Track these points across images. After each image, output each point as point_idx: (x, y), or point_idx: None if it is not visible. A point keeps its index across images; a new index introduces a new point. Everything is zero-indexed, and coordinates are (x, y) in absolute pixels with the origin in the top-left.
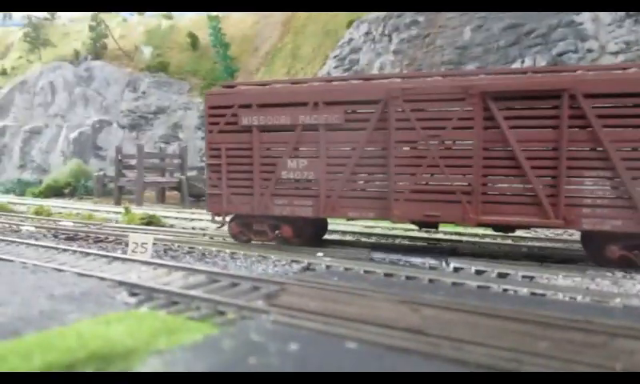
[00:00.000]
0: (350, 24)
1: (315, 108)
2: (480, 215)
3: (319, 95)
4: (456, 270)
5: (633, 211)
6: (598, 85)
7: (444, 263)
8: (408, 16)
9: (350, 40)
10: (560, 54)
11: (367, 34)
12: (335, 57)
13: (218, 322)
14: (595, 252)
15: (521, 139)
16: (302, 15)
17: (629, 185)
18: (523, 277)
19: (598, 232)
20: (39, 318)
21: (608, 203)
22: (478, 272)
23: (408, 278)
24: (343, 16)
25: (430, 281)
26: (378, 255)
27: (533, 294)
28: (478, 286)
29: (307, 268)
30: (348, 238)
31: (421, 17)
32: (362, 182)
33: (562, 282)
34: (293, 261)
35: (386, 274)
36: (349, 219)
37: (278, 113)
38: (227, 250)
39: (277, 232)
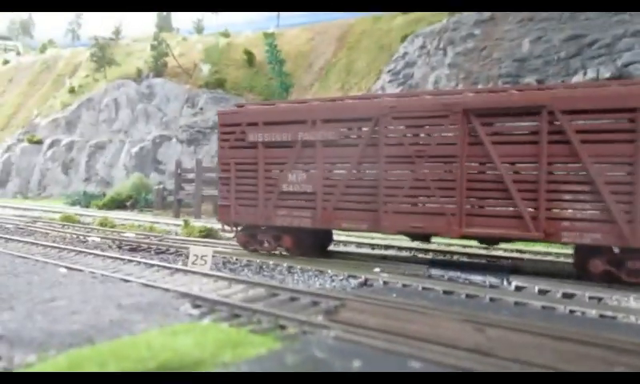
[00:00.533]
0: (404, 38)
1: (313, 125)
2: (463, 228)
3: (317, 113)
4: (518, 288)
5: (612, 225)
6: (575, 101)
7: (505, 281)
8: (464, 29)
9: (405, 54)
10: (626, 65)
11: (422, 47)
12: (389, 71)
13: (280, 337)
14: (580, 266)
15: (502, 155)
16: (356, 30)
17: (607, 199)
18: (590, 298)
19: (584, 246)
20: (110, 327)
21: (588, 217)
22: (542, 292)
23: (468, 296)
24: (397, 31)
25: (492, 300)
26: (436, 272)
27: (602, 316)
28: (543, 307)
29: (364, 284)
30: (404, 253)
31: (477, 29)
32: (355, 194)
33: (634, 305)
34: (350, 276)
35: (445, 292)
36: (343, 230)
37: (281, 130)
38: (284, 264)
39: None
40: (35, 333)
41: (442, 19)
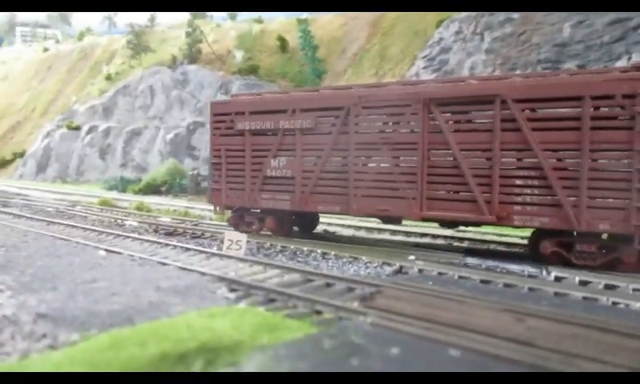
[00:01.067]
0: (439, 23)
1: (293, 114)
2: (424, 211)
3: (296, 103)
4: (558, 279)
5: (559, 209)
6: (525, 90)
7: (544, 272)
8: (502, 13)
9: (440, 40)
10: None
11: (458, 33)
12: (424, 57)
13: (316, 322)
14: (532, 248)
15: (460, 142)
16: (390, 16)
17: (555, 184)
18: (635, 290)
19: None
20: (148, 308)
21: (537, 202)
22: (583, 282)
23: (506, 285)
24: (433, 16)
25: (530, 289)
26: (472, 261)
27: None
28: (584, 298)
29: (399, 271)
30: (439, 242)
31: (515, 14)
32: (328, 179)
33: None
34: (384, 263)
35: (482, 281)
36: (319, 213)
37: (265, 119)
38: (318, 250)
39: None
40: (77, 312)
41: None
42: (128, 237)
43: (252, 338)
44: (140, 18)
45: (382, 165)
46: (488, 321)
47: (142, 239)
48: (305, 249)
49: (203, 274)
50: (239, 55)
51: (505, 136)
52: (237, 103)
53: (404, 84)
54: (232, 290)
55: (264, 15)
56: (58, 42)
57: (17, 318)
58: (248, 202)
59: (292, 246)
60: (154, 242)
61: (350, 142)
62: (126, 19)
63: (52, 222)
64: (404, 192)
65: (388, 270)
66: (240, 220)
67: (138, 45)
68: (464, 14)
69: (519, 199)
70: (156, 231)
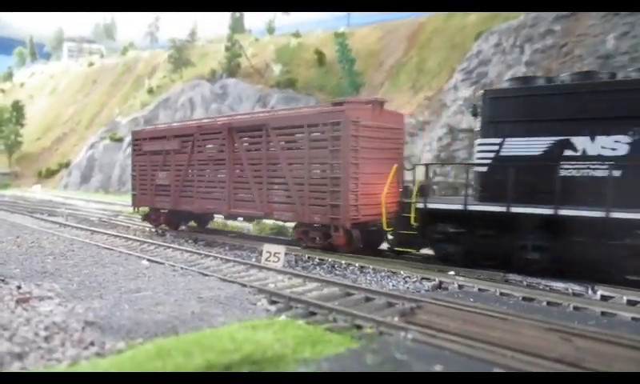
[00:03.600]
0: (478, 36)
1: (169, 140)
2: (230, 209)
3: (171, 131)
4: (604, 298)
5: (294, 207)
6: (277, 120)
7: (590, 290)
8: (543, 25)
9: (479, 52)
10: None
11: (497, 45)
12: (462, 70)
13: (357, 336)
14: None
15: (248, 158)
16: (428, 29)
17: (292, 189)
18: None
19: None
20: (191, 319)
21: (284, 201)
22: (631, 302)
23: (550, 303)
24: (471, 28)
25: (576, 308)
26: (514, 277)
27: None
28: (633, 318)
29: (439, 286)
30: None
31: (557, 26)
32: (186, 187)
33: None
34: (423, 278)
35: (525, 298)
36: (184, 210)
37: (155, 143)
38: (356, 263)
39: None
40: (123, 321)
41: (518, 16)
42: (169, 247)
43: (294, 352)
44: (181, 33)
45: (208, 176)
46: (534, 340)
47: (182, 249)
48: (343, 262)
49: (243, 285)
50: (277, 68)
51: (268, 154)
52: (144, 132)
53: (226, 116)
54: (272, 302)
55: (301, 28)
56: (102, 56)
57: (66, 325)
58: (149, 203)
59: (330, 259)
60: (193, 252)
61: (194, 160)
62: (167, 34)
63: (96, 231)
64: (220, 195)
65: (427, 285)
66: (149, 217)
67: (179, 59)
68: (504, 26)
69: (276, 199)
70: (195, 242)
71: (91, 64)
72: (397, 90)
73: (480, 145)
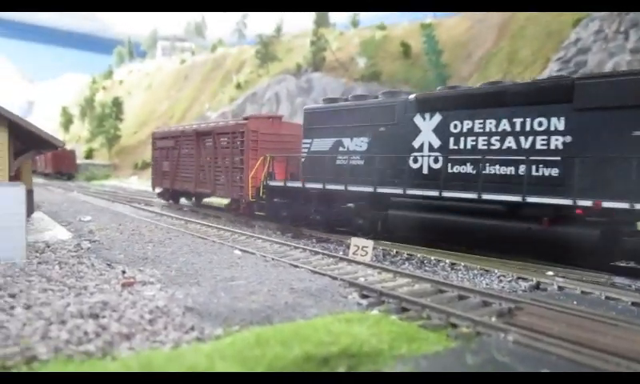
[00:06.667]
0: (577, 23)
1: (169, 139)
2: (195, 188)
3: (170, 133)
4: None
5: (225, 186)
6: (218, 129)
7: None
8: None
9: (577, 40)
10: None
11: (598, 32)
12: (558, 59)
13: (452, 335)
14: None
15: (206, 155)
16: (520, 17)
17: (225, 175)
18: None
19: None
20: (284, 309)
21: (224, 183)
22: None
23: None
24: (569, 15)
25: None
26: (621, 280)
27: None
28: None
29: (537, 287)
30: None
31: None
32: (179, 173)
33: None
34: (519, 277)
35: (635, 303)
36: (181, 190)
37: (163, 142)
38: (447, 260)
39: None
40: (220, 308)
41: None
42: (259, 238)
43: (391, 347)
44: (268, 29)
45: (186, 165)
46: None
47: (271, 240)
48: (432, 258)
49: (334, 278)
50: (362, 62)
51: (215, 151)
52: (157, 133)
53: (196, 124)
54: (363, 296)
55: (387, 20)
56: (193, 53)
57: (168, 309)
58: (161, 185)
59: (419, 255)
60: (283, 243)
61: (181, 154)
62: (254, 30)
63: (190, 221)
64: (190, 179)
65: (524, 285)
66: (162, 195)
67: (266, 54)
68: (605, 12)
69: (218, 181)
70: (283, 233)
71: (183, 61)
72: (486, 81)
73: (302, 143)
